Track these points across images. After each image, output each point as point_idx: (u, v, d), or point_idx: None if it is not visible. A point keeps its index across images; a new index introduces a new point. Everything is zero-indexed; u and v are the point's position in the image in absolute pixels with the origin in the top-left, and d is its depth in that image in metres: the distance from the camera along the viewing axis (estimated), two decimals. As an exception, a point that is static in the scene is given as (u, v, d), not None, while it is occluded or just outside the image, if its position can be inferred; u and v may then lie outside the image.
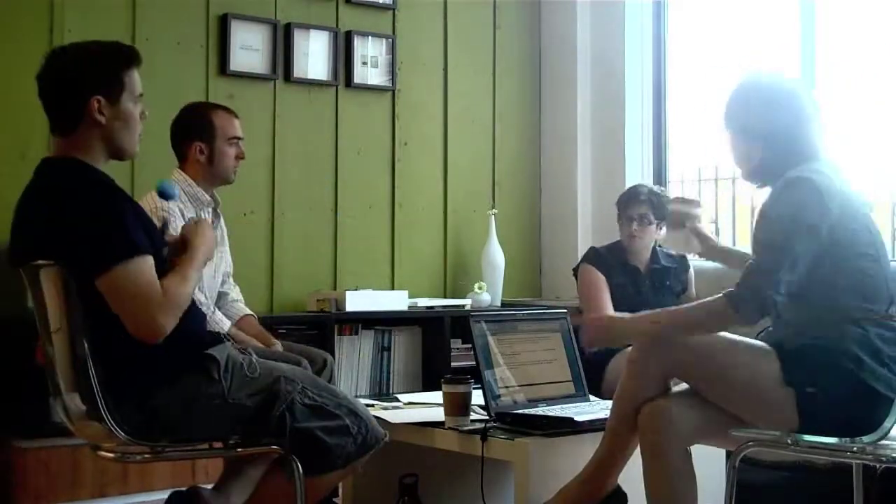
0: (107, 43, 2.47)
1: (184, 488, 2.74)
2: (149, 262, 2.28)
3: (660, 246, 3.98)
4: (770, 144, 2.50)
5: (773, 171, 2.51)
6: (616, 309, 3.77)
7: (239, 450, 2.46)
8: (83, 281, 2.26)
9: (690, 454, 2.41)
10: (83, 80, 2.35)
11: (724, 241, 4.87)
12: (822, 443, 2.37)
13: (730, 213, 4.88)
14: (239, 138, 3.36)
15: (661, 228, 3.92)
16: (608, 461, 2.47)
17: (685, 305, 2.57)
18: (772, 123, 2.50)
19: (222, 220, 3.41)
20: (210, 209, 3.32)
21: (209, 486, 2.83)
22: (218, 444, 2.48)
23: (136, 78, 2.43)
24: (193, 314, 2.41)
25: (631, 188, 4.06)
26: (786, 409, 2.34)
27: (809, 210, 2.36)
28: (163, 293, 2.26)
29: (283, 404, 2.38)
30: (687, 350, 2.42)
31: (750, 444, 2.43)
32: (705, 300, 2.49)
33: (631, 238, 3.93)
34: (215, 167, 3.31)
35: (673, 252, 3.97)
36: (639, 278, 3.93)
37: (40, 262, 2.30)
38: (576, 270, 4.01)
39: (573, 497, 2.47)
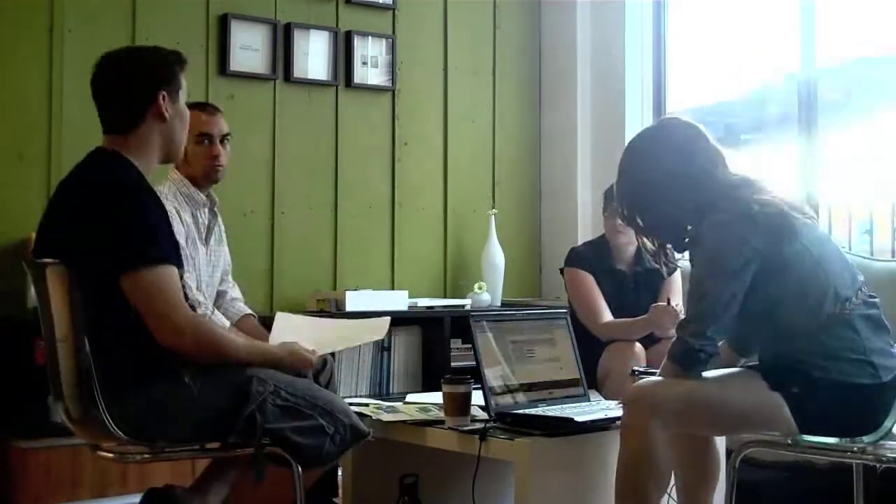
0: (154, 47, 2.55)
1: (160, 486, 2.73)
2: (175, 274, 2.34)
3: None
4: (671, 210, 2.52)
5: (689, 227, 2.53)
6: None
7: (237, 450, 2.46)
8: (101, 277, 2.27)
9: (666, 441, 2.42)
10: (151, 76, 2.43)
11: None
12: (822, 443, 2.37)
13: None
14: (208, 135, 3.24)
15: None
16: None
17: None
18: (660, 191, 2.51)
19: (220, 219, 3.40)
20: (206, 209, 3.30)
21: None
22: (213, 445, 2.48)
23: (184, 80, 2.51)
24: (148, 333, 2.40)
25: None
26: (783, 414, 2.35)
27: (730, 254, 2.37)
28: (194, 316, 2.35)
29: (254, 405, 2.36)
30: (677, 402, 2.41)
31: (750, 444, 2.44)
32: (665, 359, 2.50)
33: (615, 233, 3.74)
34: (191, 167, 3.23)
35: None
36: (623, 283, 3.78)
37: (47, 260, 2.33)
38: (563, 270, 3.89)
39: None
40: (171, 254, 2.35)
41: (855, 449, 2.33)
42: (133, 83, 2.44)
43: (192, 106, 3.24)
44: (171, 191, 3.22)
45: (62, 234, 2.36)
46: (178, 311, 2.30)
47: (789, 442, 2.39)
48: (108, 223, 2.29)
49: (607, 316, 3.67)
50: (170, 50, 2.54)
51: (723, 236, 2.38)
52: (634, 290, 3.79)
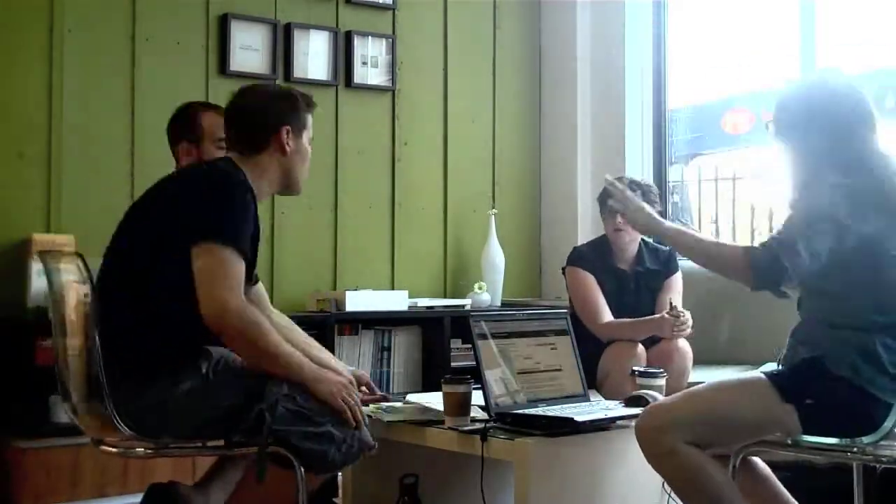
0: (289, 89, 2.77)
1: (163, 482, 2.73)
2: (243, 265, 2.40)
3: (646, 244, 3.85)
4: (818, 158, 2.43)
5: (804, 170, 2.46)
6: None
7: (242, 449, 2.45)
8: (167, 249, 2.36)
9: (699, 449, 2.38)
10: (278, 110, 2.61)
11: (724, 240, 4.89)
12: (822, 443, 2.37)
13: (730, 213, 4.89)
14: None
15: None
16: None
17: (713, 241, 2.60)
18: (817, 139, 2.43)
19: None
20: None
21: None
22: (217, 442, 2.49)
23: (311, 122, 2.68)
24: (179, 320, 2.41)
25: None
26: (789, 424, 2.35)
27: (841, 208, 2.31)
28: (248, 304, 2.39)
29: (264, 404, 2.37)
30: (686, 413, 2.40)
31: (750, 444, 2.43)
32: (730, 246, 2.53)
33: (616, 232, 3.75)
34: None
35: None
36: (624, 282, 3.79)
37: (62, 250, 2.38)
38: (564, 270, 3.89)
39: None
40: (250, 251, 2.44)
41: (855, 449, 2.33)
42: (262, 111, 2.62)
43: (209, 107, 3.27)
44: None
45: (150, 213, 2.47)
46: (234, 292, 2.35)
47: (789, 442, 2.39)
48: (209, 201, 2.41)
49: (608, 316, 3.67)
50: (300, 92, 2.71)
51: (835, 192, 2.32)
52: (635, 289, 3.79)
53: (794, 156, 2.49)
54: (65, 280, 2.39)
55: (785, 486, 2.65)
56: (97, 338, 2.28)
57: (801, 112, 2.49)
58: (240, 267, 2.38)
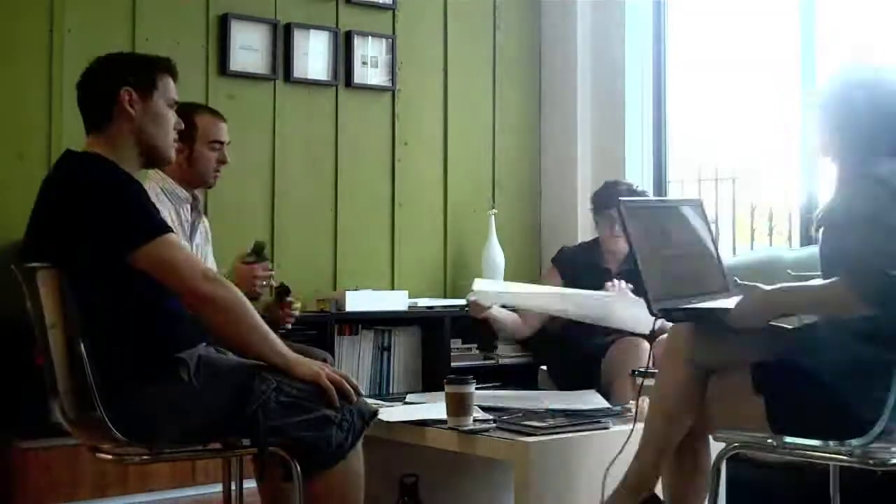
0: (141, 54, 2.59)
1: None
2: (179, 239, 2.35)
3: None
4: (861, 139, 2.43)
5: (849, 159, 2.45)
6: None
7: (238, 451, 2.45)
8: (95, 275, 2.27)
9: (703, 377, 2.43)
10: (116, 73, 2.42)
11: (724, 240, 4.90)
12: (812, 445, 2.28)
13: (730, 213, 4.89)
14: (222, 142, 3.27)
15: None
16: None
17: (803, 286, 2.42)
18: (872, 127, 2.42)
19: (205, 219, 3.36)
20: (188, 205, 3.27)
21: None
22: (215, 445, 2.48)
23: (170, 85, 2.49)
24: (165, 319, 2.39)
25: (608, 186, 3.91)
26: (756, 416, 2.34)
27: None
28: (221, 281, 2.34)
29: (256, 403, 2.32)
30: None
31: (734, 445, 2.38)
32: (822, 284, 2.33)
33: (613, 239, 3.81)
34: (193, 169, 3.20)
35: None
36: (605, 278, 3.78)
37: (36, 264, 2.35)
38: None
39: None
40: (168, 226, 2.36)
41: (843, 452, 2.23)
42: (99, 79, 2.43)
43: (206, 110, 3.31)
44: (153, 190, 3.19)
45: (52, 235, 2.36)
46: (202, 276, 2.30)
47: (775, 444, 2.33)
48: (98, 213, 2.29)
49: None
50: (155, 56, 2.53)
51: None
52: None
53: (845, 140, 2.46)
54: (42, 290, 2.35)
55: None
56: (83, 345, 2.26)
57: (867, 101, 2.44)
58: (184, 247, 2.34)
